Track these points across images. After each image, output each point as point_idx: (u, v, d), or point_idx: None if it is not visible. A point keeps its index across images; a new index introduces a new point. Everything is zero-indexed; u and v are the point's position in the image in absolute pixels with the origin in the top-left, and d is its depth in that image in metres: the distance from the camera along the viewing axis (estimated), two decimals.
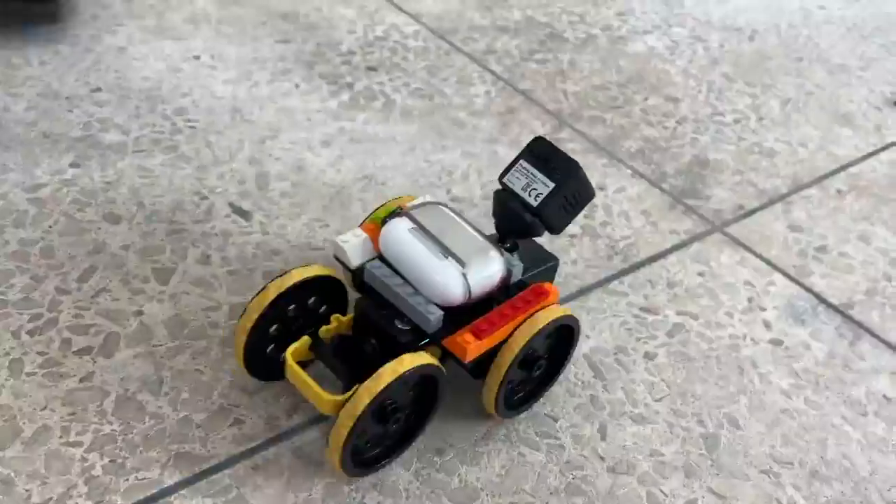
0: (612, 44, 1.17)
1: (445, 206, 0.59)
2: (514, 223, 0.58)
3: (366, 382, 0.50)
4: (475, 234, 0.57)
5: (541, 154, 0.57)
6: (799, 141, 1.02)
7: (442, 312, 0.54)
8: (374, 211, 0.63)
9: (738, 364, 0.70)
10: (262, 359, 0.57)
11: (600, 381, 0.67)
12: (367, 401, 0.49)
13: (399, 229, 0.56)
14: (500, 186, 0.59)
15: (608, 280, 0.76)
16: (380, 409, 0.52)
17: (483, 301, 0.56)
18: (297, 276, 0.55)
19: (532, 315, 0.56)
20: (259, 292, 0.55)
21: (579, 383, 0.66)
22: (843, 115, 1.10)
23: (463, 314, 0.55)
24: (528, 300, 0.57)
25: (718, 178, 0.92)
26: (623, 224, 0.83)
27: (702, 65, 1.15)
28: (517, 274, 0.59)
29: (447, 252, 0.55)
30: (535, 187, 0.57)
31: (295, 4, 1.10)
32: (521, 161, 0.58)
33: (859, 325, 0.76)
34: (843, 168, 0.99)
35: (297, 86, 0.94)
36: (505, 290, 0.58)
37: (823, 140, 1.03)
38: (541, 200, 0.56)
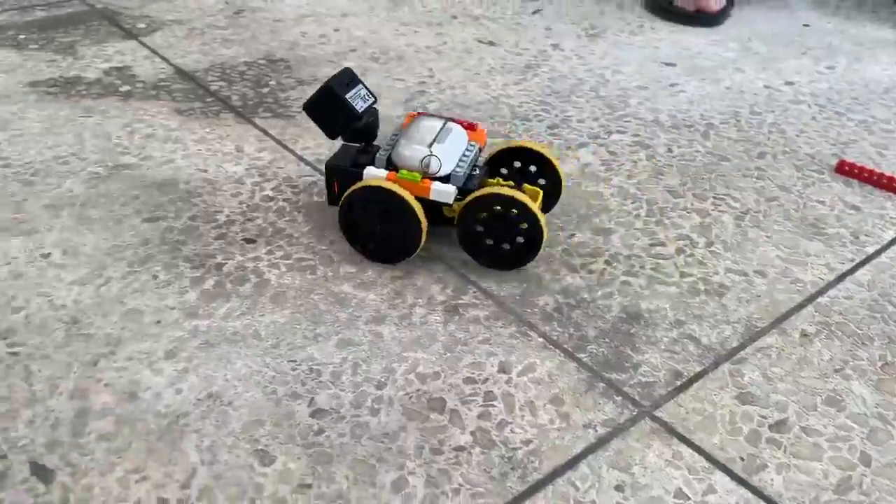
0: None
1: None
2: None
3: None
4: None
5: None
6: (756, 267, 0.86)
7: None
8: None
9: None
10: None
11: None
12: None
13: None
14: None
15: None
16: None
17: None
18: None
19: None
20: None
21: None
22: (813, 222, 0.93)
23: None
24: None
25: (651, 335, 0.77)
26: (526, 422, 0.68)
27: (642, 179, 1.01)
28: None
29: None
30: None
31: (176, 171, 0.99)
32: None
33: None
34: (811, 300, 0.82)
35: (154, 276, 0.82)
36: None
37: (787, 262, 0.87)
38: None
